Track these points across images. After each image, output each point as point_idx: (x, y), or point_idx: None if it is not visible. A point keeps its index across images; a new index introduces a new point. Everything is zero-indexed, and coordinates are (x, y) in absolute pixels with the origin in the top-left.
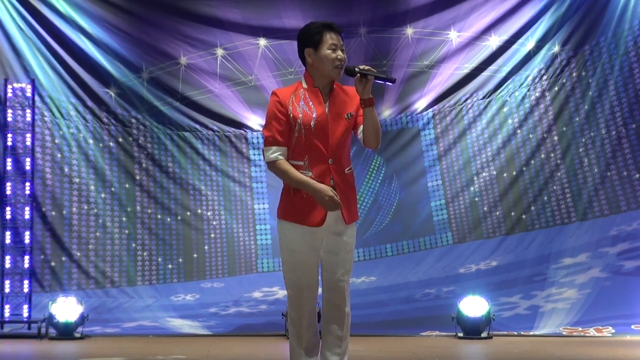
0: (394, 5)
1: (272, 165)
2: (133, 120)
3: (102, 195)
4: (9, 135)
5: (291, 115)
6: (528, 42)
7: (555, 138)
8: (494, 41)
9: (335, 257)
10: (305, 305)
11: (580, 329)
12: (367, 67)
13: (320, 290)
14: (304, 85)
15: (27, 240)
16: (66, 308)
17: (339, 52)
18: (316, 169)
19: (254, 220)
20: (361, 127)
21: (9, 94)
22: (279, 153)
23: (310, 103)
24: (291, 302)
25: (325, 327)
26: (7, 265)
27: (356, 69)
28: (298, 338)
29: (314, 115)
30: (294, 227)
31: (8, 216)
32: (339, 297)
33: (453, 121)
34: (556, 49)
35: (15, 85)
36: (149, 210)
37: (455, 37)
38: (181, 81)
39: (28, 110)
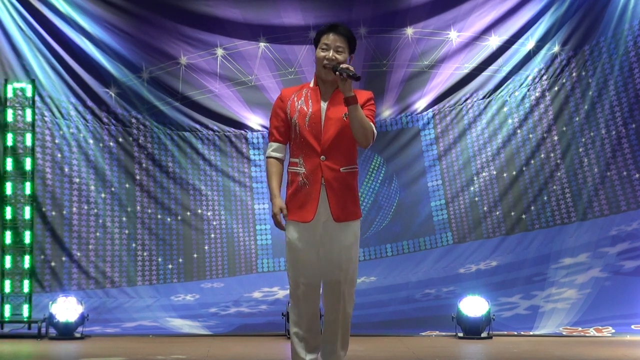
0: (394, 5)
1: (266, 161)
2: (133, 120)
3: (102, 195)
4: (9, 135)
5: (289, 112)
6: (528, 42)
7: (555, 138)
8: (494, 41)
9: (331, 255)
10: (303, 302)
11: (580, 329)
12: (345, 66)
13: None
14: (311, 85)
15: (27, 240)
16: (66, 308)
17: (330, 52)
18: (309, 165)
19: (254, 220)
20: None
21: (9, 94)
22: (272, 149)
23: (310, 101)
24: (291, 299)
25: (324, 328)
26: (7, 265)
27: (335, 68)
28: (298, 336)
29: (309, 113)
30: (293, 225)
31: (8, 216)
32: (333, 297)
33: (453, 121)
34: (556, 49)
35: (15, 85)
36: (149, 210)
37: (455, 37)
38: (181, 81)
39: (28, 110)
